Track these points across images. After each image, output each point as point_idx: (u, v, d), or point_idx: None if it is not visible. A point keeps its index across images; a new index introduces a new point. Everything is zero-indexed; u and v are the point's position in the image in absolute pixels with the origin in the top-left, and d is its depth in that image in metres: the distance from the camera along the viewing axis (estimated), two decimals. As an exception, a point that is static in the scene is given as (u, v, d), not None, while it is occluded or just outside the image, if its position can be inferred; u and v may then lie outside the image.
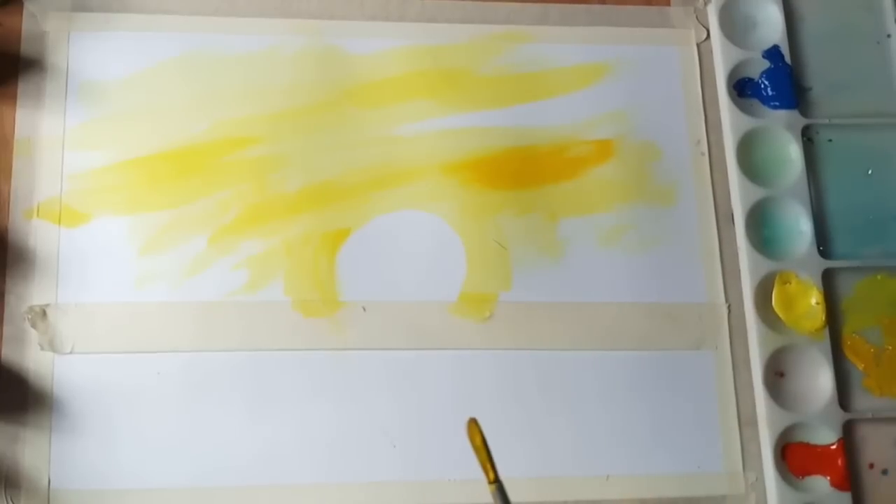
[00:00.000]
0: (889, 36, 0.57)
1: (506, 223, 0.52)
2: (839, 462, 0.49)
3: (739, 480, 0.49)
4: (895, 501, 0.49)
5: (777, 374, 0.51)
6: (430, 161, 0.52)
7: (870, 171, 0.55)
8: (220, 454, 0.47)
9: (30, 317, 0.48)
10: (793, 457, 0.49)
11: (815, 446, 0.50)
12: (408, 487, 0.48)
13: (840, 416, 0.50)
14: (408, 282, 0.50)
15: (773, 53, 0.55)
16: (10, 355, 0.47)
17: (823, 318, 0.51)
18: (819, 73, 0.56)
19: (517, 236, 0.52)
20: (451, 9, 0.55)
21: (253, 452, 0.47)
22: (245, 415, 0.48)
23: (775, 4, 0.56)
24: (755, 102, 0.55)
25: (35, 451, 0.46)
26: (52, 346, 0.47)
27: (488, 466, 0.36)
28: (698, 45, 0.56)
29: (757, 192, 0.53)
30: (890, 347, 0.52)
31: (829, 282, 0.52)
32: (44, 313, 0.48)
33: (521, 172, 0.53)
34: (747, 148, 0.54)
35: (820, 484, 0.49)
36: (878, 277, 0.53)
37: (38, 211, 0.49)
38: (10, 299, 0.48)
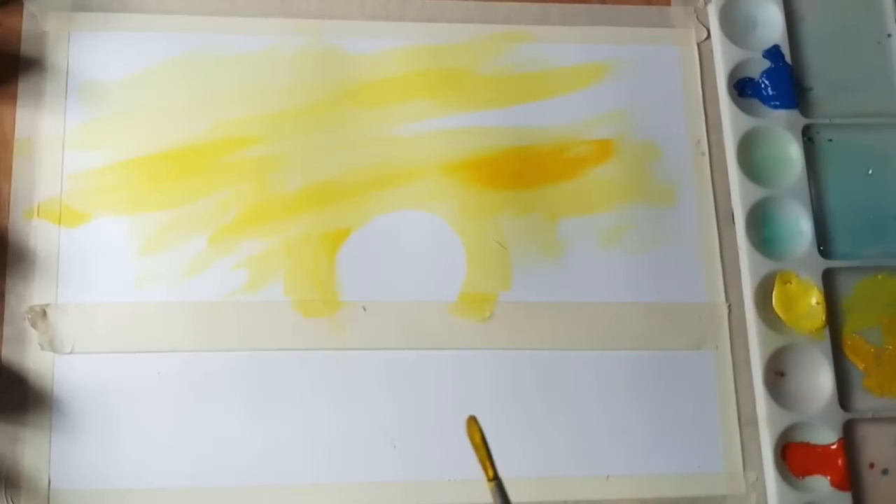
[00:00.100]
0: (889, 36, 0.57)
1: (506, 223, 0.52)
2: (839, 462, 0.49)
3: (740, 480, 0.49)
4: (895, 502, 0.49)
5: (777, 374, 0.51)
6: (430, 161, 0.52)
7: (870, 171, 0.55)
8: (220, 454, 0.47)
9: (30, 317, 0.48)
10: (793, 457, 0.49)
11: (816, 446, 0.50)
12: (408, 487, 0.48)
13: (840, 416, 0.50)
14: (408, 282, 0.50)
15: (773, 53, 0.55)
16: (10, 355, 0.47)
17: (824, 318, 0.51)
18: (819, 73, 0.56)
19: (517, 236, 0.52)
20: (451, 9, 0.55)
21: (253, 452, 0.47)
22: (245, 415, 0.48)
23: (776, 4, 0.56)
24: (755, 102, 0.55)
25: (35, 451, 0.46)
26: (52, 346, 0.47)
27: (487, 464, 0.36)
28: (699, 45, 0.56)
29: (757, 192, 0.53)
30: (890, 347, 0.52)
31: (829, 281, 0.52)
32: (44, 313, 0.48)
33: (521, 172, 0.53)
34: (747, 148, 0.54)
35: (820, 484, 0.49)
36: (879, 277, 0.53)
37: (38, 211, 0.49)
38: (10, 299, 0.48)
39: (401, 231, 0.51)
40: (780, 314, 0.51)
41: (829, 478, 0.49)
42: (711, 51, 0.56)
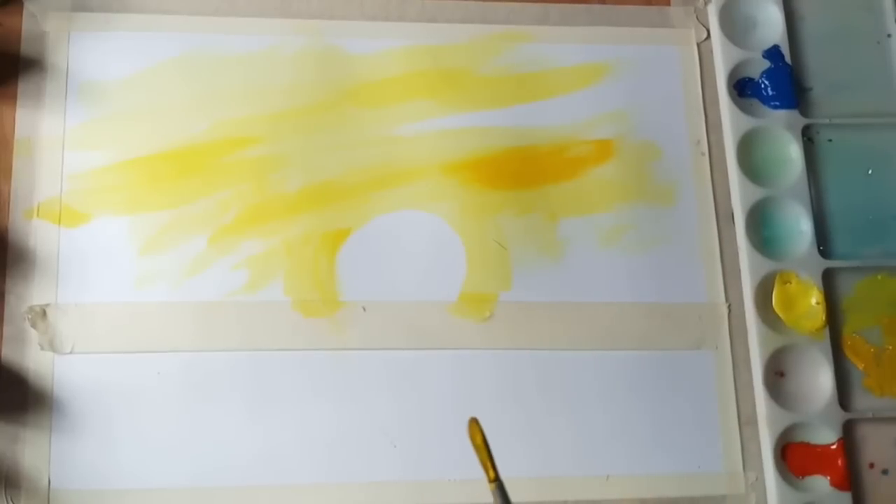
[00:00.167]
0: (889, 36, 0.57)
1: (506, 223, 0.52)
2: (839, 462, 0.49)
3: (739, 480, 0.49)
4: (895, 501, 0.49)
5: (777, 374, 0.51)
6: (430, 161, 0.52)
7: (870, 171, 0.55)
8: (220, 454, 0.47)
9: (30, 317, 0.48)
10: (793, 457, 0.49)
11: (816, 446, 0.50)
12: (408, 487, 0.48)
13: (840, 416, 0.50)
14: (408, 282, 0.50)
15: (773, 53, 0.55)
16: (10, 355, 0.47)
17: (824, 318, 0.51)
18: (819, 73, 0.56)
19: (517, 236, 0.52)
20: (451, 9, 0.55)
21: (253, 452, 0.47)
22: (245, 415, 0.48)
23: (775, 4, 0.56)
24: (755, 102, 0.55)
25: (35, 451, 0.46)
26: (52, 346, 0.47)
27: (489, 465, 0.36)
28: (698, 45, 0.56)
29: (757, 192, 0.53)
30: (890, 347, 0.52)
31: (829, 282, 0.52)
32: (44, 313, 0.48)
33: (521, 172, 0.53)
34: (747, 148, 0.54)
35: (820, 484, 0.49)
36: (879, 277, 0.53)
37: (38, 211, 0.49)
38: (10, 299, 0.48)
39: (401, 231, 0.51)
40: (780, 314, 0.51)
41: (828, 478, 0.49)
42: (711, 51, 0.56)
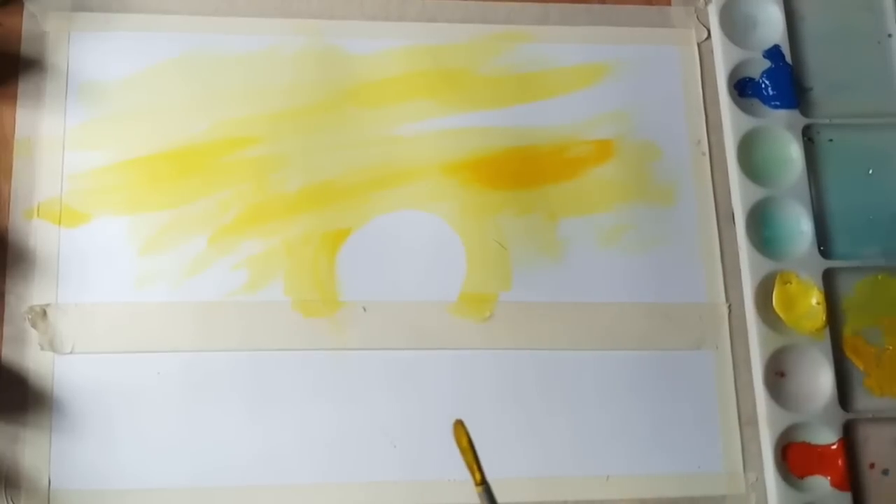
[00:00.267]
0: (889, 36, 0.57)
1: (506, 223, 0.52)
2: (840, 462, 0.49)
3: (740, 480, 0.49)
4: (895, 502, 0.49)
5: (777, 374, 0.51)
6: (430, 161, 0.52)
7: (870, 171, 0.55)
8: (220, 454, 0.47)
9: (30, 317, 0.48)
10: (793, 457, 0.49)
11: (816, 446, 0.50)
12: (408, 487, 0.48)
13: (840, 416, 0.50)
14: (408, 282, 0.50)
15: (773, 53, 0.55)
16: (10, 355, 0.47)
17: (824, 318, 0.51)
18: (820, 73, 0.56)
19: (517, 236, 0.52)
20: (451, 8, 0.55)
21: (253, 452, 0.47)
22: (245, 415, 0.48)
23: (776, 4, 0.56)
24: (756, 102, 0.55)
25: (35, 451, 0.46)
26: (52, 346, 0.47)
27: (475, 468, 0.35)
28: (699, 45, 0.56)
29: (757, 192, 0.53)
30: (890, 347, 0.52)
31: (829, 282, 0.52)
32: (44, 313, 0.48)
33: (521, 172, 0.53)
34: (748, 148, 0.54)
35: (820, 484, 0.49)
36: (879, 277, 0.53)
37: (38, 211, 0.49)
38: (10, 299, 0.48)
39: (401, 231, 0.51)
40: (781, 314, 0.51)
41: (829, 478, 0.49)
42: (712, 51, 0.56)
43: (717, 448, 0.50)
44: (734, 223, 0.53)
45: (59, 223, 0.49)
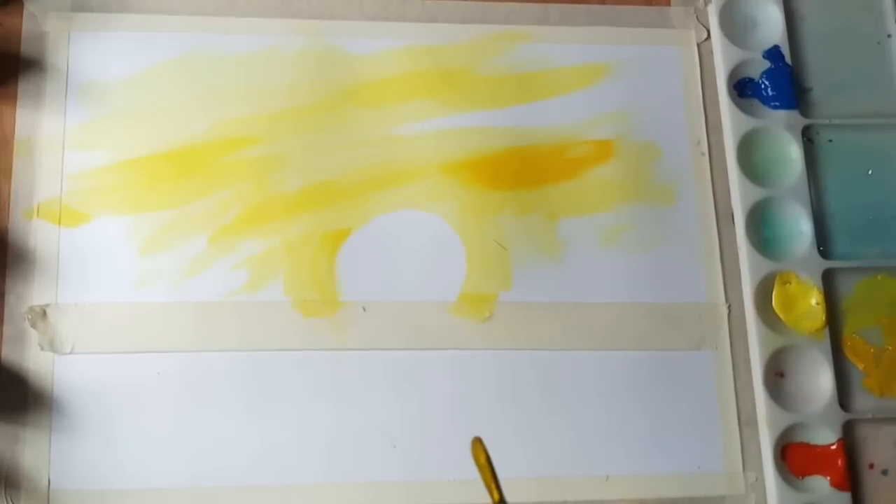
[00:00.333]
0: (889, 36, 0.57)
1: (506, 223, 0.52)
2: (839, 462, 0.49)
3: (739, 481, 0.49)
4: (895, 502, 0.49)
5: (777, 375, 0.51)
6: (430, 161, 0.52)
7: (870, 172, 0.55)
8: (220, 454, 0.47)
9: (30, 317, 0.48)
10: (793, 457, 0.49)
11: (816, 446, 0.50)
12: (408, 487, 0.48)
13: (840, 417, 0.50)
14: (408, 282, 0.50)
15: (773, 53, 0.55)
16: (10, 355, 0.47)
17: (823, 319, 0.51)
18: (819, 74, 0.56)
19: (517, 236, 0.52)
20: (451, 9, 0.55)
21: (253, 452, 0.47)
22: (245, 415, 0.48)
23: (775, 4, 0.56)
24: (755, 102, 0.55)
25: (35, 451, 0.46)
26: (52, 346, 0.47)
27: (493, 486, 0.34)
28: (698, 46, 0.56)
29: (757, 193, 0.53)
30: (890, 348, 0.52)
31: (829, 282, 0.52)
32: (44, 313, 0.48)
33: (521, 172, 0.53)
34: (747, 148, 0.54)
35: (820, 484, 0.49)
36: (879, 278, 0.53)
37: (38, 211, 0.49)
38: (10, 299, 0.48)
39: (401, 231, 0.51)
40: (780, 314, 0.51)
41: (828, 478, 0.49)
42: (711, 51, 0.56)
43: (717, 448, 0.50)
44: (734, 223, 0.53)
45: (59, 223, 0.49)
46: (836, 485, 0.49)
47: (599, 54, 0.55)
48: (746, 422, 0.50)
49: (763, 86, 0.55)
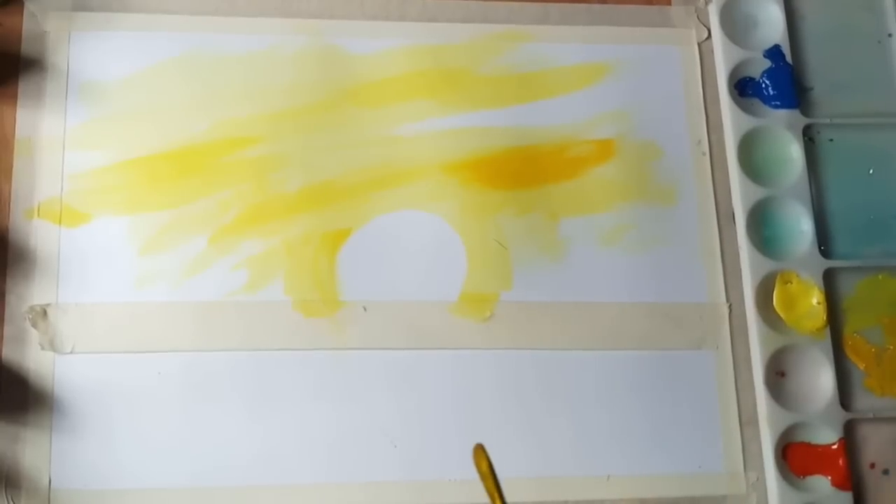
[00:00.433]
0: (890, 35, 0.57)
1: (506, 223, 0.52)
2: (840, 462, 0.49)
3: (740, 480, 0.49)
4: (896, 502, 0.49)
5: (778, 374, 0.51)
6: (431, 161, 0.52)
7: (871, 171, 0.55)
8: (220, 454, 0.47)
9: (30, 317, 0.48)
10: (794, 457, 0.49)
11: (816, 446, 0.50)
12: (408, 487, 0.48)
13: (841, 416, 0.50)
14: (408, 282, 0.50)
15: (774, 53, 0.55)
16: (11, 355, 0.47)
17: (824, 318, 0.51)
18: (820, 73, 0.56)
19: (518, 236, 0.52)
20: (451, 8, 0.55)
21: (253, 452, 0.47)
22: (245, 415, 0.48)
23: (776, 4, 0.56)
24: (756, 102, 0.55)
25: (35, 451, 0.46)
26: (52, 345, 0.47)
27: (495, 494, 0.34)
28: (699, 45, 0.56)
29: (758, 192, 0.53)
30: (891, 347, 0.51)
31: (830, 281, 0.52)
32: (44, 313, 0.48)
33: (522, 172, 0.53)
34: (748, 147, 0.54)
35: (821, 484, 0.49)
36: (880, 277, 0.53)
37: (38, 211, 0.49)
38: (10, 299, 0.48)
39: (401, 231, 0.51)
40: (781, 314, 0.51)
41: (829, 478, 0.49)
42: (712, 51, 0.56)
43: (718, 448, 0.50)
44: (735, 223, 0.53)
45: (60, 223, 0.49)
46: (837, 484, 0.49)
47: (600, 54, 0.55)
48: (747, 421, 0.50)
49: (764, 85, 0.55)
